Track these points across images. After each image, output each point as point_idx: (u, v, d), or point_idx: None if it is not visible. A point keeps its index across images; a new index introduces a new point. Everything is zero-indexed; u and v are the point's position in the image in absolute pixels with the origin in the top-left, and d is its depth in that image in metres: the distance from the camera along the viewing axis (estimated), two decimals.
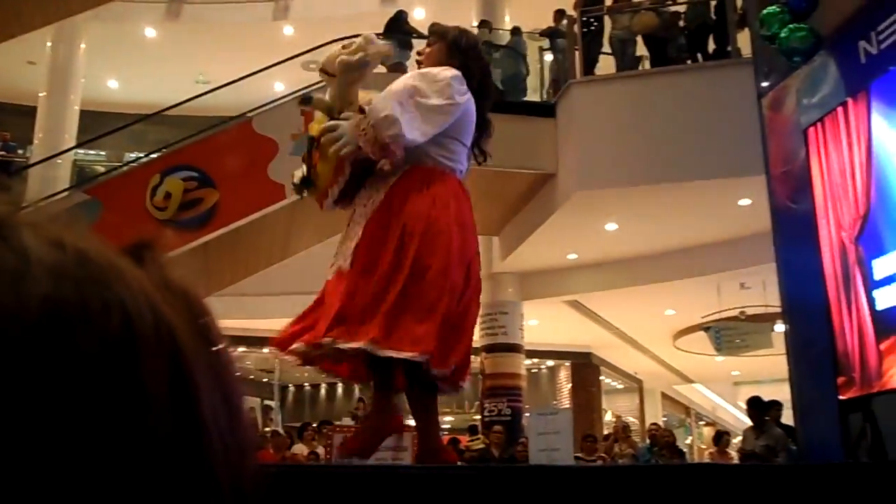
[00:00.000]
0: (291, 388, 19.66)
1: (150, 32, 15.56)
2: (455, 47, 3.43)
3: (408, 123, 3.12)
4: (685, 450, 14.52)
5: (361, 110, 3.18)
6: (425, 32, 3.83)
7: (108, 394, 0.35)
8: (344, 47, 3.36)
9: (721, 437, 11.15)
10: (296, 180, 3.49)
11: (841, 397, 4.98)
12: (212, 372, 0.40)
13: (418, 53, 3.55)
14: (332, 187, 3.33)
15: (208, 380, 0.39)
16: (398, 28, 10.51)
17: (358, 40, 3.33)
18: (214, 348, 0.41)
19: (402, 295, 2.98)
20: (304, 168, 3.43)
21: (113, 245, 0.41)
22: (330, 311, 3.08)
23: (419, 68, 3.43)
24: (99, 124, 13.23)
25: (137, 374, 0.36)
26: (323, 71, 3.47)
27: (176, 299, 0.40)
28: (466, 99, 3.30)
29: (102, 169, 13.27)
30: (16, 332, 0.34)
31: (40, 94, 14.36)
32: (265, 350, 15.96)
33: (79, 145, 13.89)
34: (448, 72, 3.28)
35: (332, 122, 3.20)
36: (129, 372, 0.36)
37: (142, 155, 10.87)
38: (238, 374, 0.44)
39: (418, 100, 3.19)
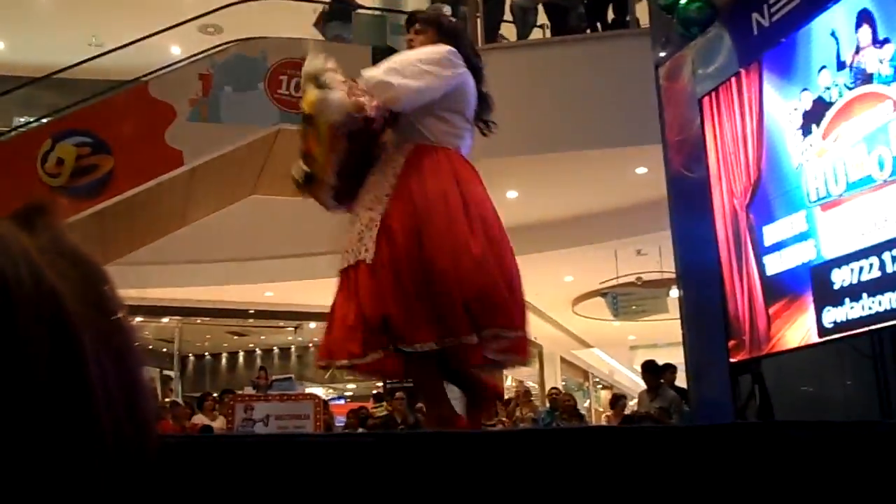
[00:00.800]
0: (191, 358, 19.36)
1: None
2: (446, 33, 3.47)
3: (402, 86, 3.15)
4: (584, 413, 14.83)
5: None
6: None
7: None
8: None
9: (618, 401, 11.44)
10: (297, 177, 3.35)
11: (731, 360, 5.16)
12: (103, 338, 0.39)
13: (409, 42, 3.52)
14: (332, 166, 3.24)
15: (99, 345, 0.38)
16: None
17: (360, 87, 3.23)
18: (110, 316, 0.40)
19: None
20: (302, 161, 3.31)
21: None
22: (374, 315, 2.97)
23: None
24: None
25: (15, 337, 0.35)
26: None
27: (68, 266, 0.39)
28: (463, 72, 3.36)
29: None
30: None
31: None
32: (164, 319, 15.72)
33: None
34: (442, 47, 3.33)
35: (322, 92, 3.14)
36: (6, 336, 0.35)
37: (31, 119, 10.48)
38: (137, 342, 0.43)
39: (413, 67, 3.22)
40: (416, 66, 3.22)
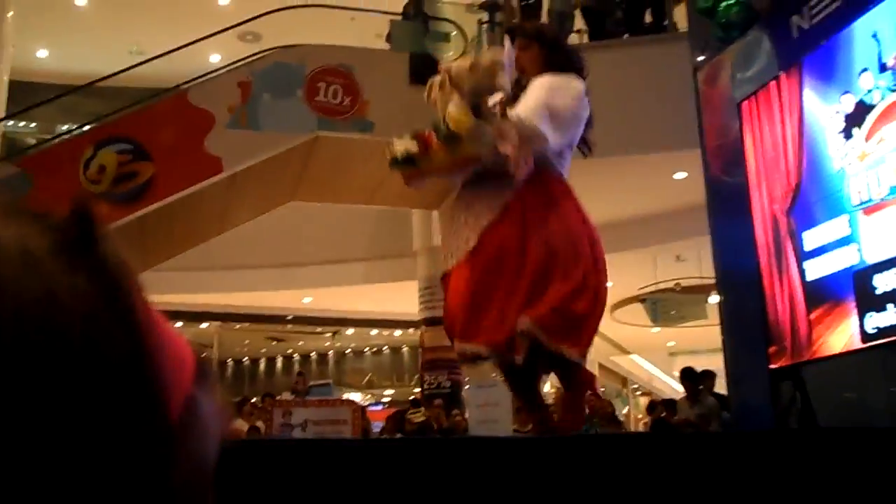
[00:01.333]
0: (230, 363, 19.52)
1: (80, 1, 15.19)
2: (550, 46, 3.53)
3: (555, 138, 3.27)
4: (622, 419, 14.73)
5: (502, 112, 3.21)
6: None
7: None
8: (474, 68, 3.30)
9: (655, 407, 11.35)
10: (398, 154, 3.47)
11: (772, 366, 5.10)
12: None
13: (517, 58, 3.47)
14: (441, 175, 3.50)
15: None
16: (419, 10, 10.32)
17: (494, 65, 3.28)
18: (139, 328, 0.36)
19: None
20: (414, 144, 3.42)
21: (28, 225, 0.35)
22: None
23: (516, 72, 3.42)
24: (29, 95, 12.89)
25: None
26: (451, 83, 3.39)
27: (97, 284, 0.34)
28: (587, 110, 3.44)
29: (33, 141, 12.95)
30: None
31: None
32: (203, 325, 15.86)
33: (8, 117, 13.54)
34: (577, 83, 3.44)
35: (479, 123, 3.21)
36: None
37: (74, 127, 10.63)
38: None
39: (565, 114, 3.32)
40: (567, 114, 3.32)
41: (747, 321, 5.49)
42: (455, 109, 3.27)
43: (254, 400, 11.02)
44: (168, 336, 0.39)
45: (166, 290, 10.85)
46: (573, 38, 9.86)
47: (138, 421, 0.33)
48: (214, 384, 0.40)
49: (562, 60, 3.49)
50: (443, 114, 3.35)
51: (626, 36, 9.48)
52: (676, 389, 15.40)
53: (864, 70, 4.51)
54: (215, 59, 12.66)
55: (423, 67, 9.38)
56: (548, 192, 3.32)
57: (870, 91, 4.46)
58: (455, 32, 10.67)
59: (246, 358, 19.76)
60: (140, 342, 0.34)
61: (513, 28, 3.71)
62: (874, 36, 4.47)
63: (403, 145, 3.47)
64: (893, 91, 4.31)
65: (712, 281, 7.11)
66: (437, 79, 3.46)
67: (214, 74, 9.47)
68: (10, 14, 14.07)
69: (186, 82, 9.27)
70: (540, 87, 3.36)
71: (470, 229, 3.25)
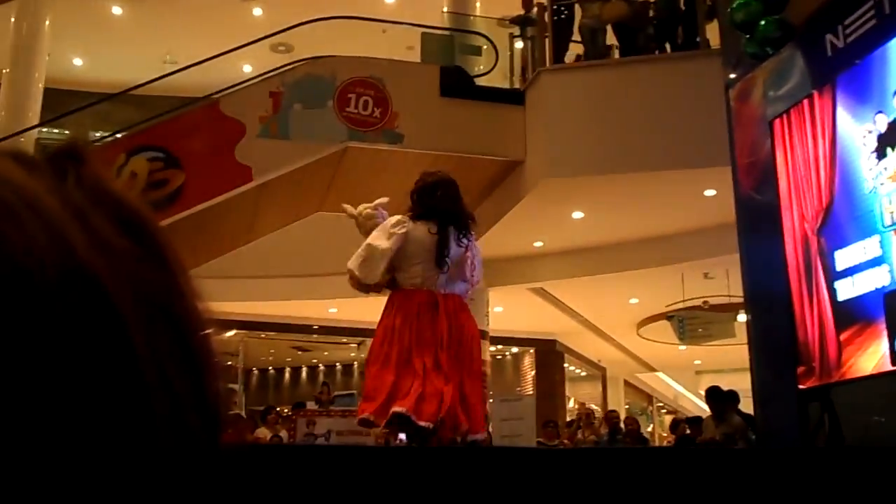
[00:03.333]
0: (255, 372, 19.58)
1: (116, 10, 15.36)
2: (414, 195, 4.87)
3: (355, 271, 4.68)
4: (647, 437, 14.64)
5: None
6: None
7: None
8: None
9: (678, 425, 11.27)
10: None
11: (800, 386, 5.05)
12: (161, 313, 0.32)
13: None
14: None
15: (154, 322, 0.31)
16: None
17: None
18: (172, 285, 0.34)
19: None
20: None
21: (28, 164, 0.33)
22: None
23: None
24: (63, 103, 13.05)
25: (34, 341, 0.28)
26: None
27: (109, 226, 0.32)
28: (400, 236, 4.65)
29: None
30: None
31: (4, 71, 14.14)
32: (229, 333, 15.93)
33: (42, 124, 13.70)
34: (391, 220, 4.77)
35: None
36: (23, 339, 0.28)
37: (107, 134, 10.74)
38: (206, 314, 0.37)
39: (367, 254, 4.68)
40: (368, 255, 4.75)
41: (776, 341, 5.45)
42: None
43: (278, 409, 11.04)
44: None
45: None
46: (605, 54, 9.86)
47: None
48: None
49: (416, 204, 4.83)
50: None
51: (657, 52, 9.45)
52: (702, 408, 15.29)
53: None
54: (247, 69, 12.74)
55: (453, 80, 9.41)
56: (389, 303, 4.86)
57: None
58: (486, 46, 10.69)
59: (271, 367, 19.82)
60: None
61: None
62: None
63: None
64: None
65: (740, 299, 7.06)
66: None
67: (246, 84, 9.54)
68: (47, 22, 14.27)
69: (218, 92, 9.34)
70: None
71: None
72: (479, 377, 4.85)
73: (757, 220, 5.83)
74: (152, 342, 0.31)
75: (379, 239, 4.65)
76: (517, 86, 10.21)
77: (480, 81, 10.21)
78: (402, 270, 4.69)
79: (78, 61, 16.56)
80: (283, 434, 9.43)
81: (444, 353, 4.52)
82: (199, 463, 0.33)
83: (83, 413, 0.29)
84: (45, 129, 14.32)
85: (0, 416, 0.28)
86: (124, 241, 0.32)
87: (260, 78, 9.48)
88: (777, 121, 5.43)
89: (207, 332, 0.36)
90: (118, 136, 9.74)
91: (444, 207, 4.78)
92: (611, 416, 11.69)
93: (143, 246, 0.33)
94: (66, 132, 15.54)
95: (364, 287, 4.71)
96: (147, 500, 0.31)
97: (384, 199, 5.23)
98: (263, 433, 9.89)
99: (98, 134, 12.46)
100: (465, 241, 4.81)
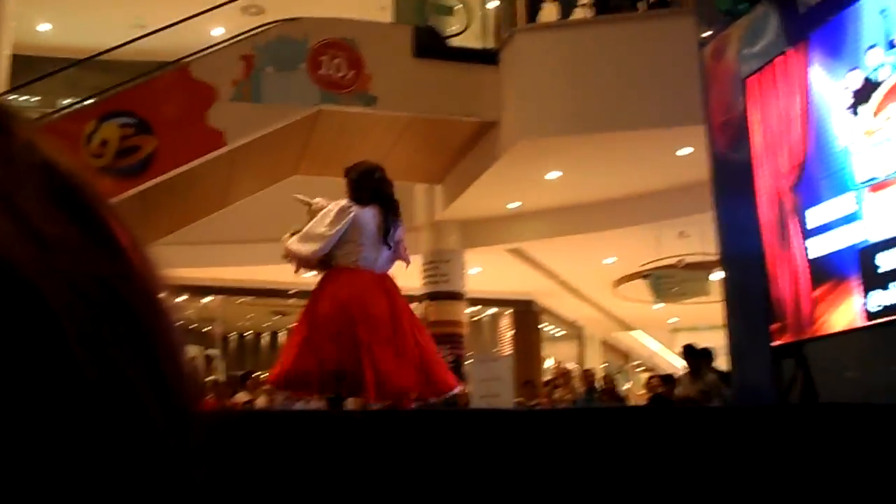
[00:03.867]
0: (234, 337, 19.56)
1: None
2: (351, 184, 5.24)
3: (299, 248, 5.11)
4: (623, 395, 14.77)
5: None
6: None
7: None
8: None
9: (650, 380, 11.40)
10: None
11: (774, 343, 5.10)
12: (102, 295, 0.29)
13: None
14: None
15: (91, 310, 0.28)
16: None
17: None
18: (115, 263, 0.30)
19: None
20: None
21: None
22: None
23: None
24: (31, 69, 12.83)
25: None
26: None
27: (42, 208, 0.28)
28: (345, 223, 5.01)
29: (36, 115, 12.89)
30: None
31: None
32: (207, 299, 15.88)
33: (10, 91, 13.50)
34: (334, 206, 5.09)
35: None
36: None
37: (77, 101, 10.59)
38: (158, 287, 0.34)
39: (309, 232, 5.10)
40: (310, 232, 5.18)
41: (750, 298, 5.49)
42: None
43: (256, 374, 11.04)
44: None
45: (170, 265, 10.82)
46: (578, 13, 9.81)
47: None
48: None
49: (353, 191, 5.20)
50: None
51: (631, 10, 9.41)
52: (678, 366, 15.45)
53: (872, 46, 4.47)
54: (218, 32, 12.57)
55: (426, 41, 9.34)
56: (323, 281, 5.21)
57: (877, 68, 4.43)
58: (459, 6, 10.60)
59: (250, 332, 19.79)
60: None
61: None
62: (882, 12, 4.43)
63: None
64: None
65: (715, 257, 7.10)
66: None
67: (217, 48, 9.43)
68: None
69: (189, 55, 9.22)
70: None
71: None
72: (430, 339, 5.27)
73: (731, 179, 5.85)
74: (94, 335, 0.28)
75: (322, 225, 5.05)
76: (491, 46, 10.15)
77: (454, 42, 10.14)
78: (344, 251, 5.06)
79: (45, 27, 16.29)
80: (262, 400, 9.44)
81: (390, 328, 4.87)
82: (164, 442, 0.31)
83: (22, 422, 0.26)
84: (13, 97, 14.11)
85: None
86: (58, 225, 0.28)
87: (231, 41, 9.37)
88: (751, 78, 5.43)
89: (163, 309, 0.33)
90: (88, 102, 9.60)
91: (385, 192, 5.26)
92: (588, 375, 11.78)
93: (83, 224, 0.29)
94: (35, 99, 15.33)
95: (306, 263, 5.19)
96: (111, 494, 0.29)
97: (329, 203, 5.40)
98: (242, 397, 9.90)
99: (68, 100, 12.29)
100: (398, 222, 5.24)
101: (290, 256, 5.19)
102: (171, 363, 0.33)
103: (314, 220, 5.13)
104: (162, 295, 0.33)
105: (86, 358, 0.28)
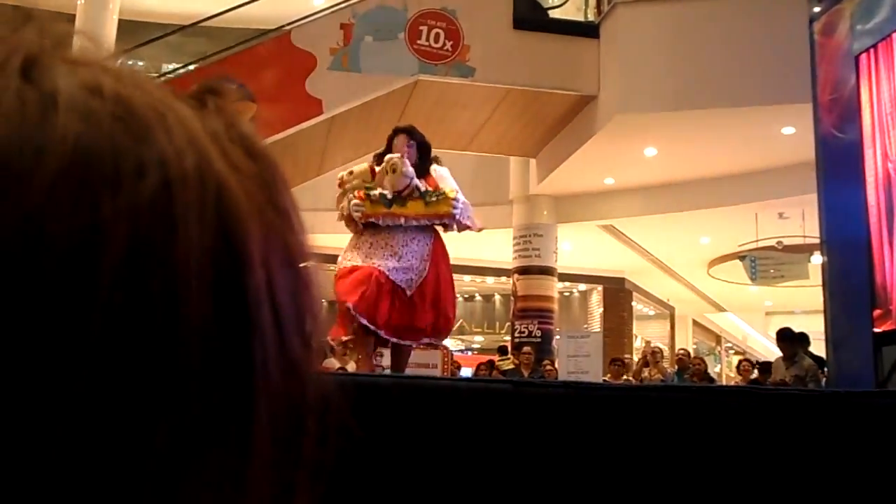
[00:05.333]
0: (325, 304, 19.88)
1: None
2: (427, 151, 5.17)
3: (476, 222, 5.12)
4: (715, 377, 14.54)
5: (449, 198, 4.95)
6: None
7: (135, 278, 0.29)
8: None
9: (740, 365, 11.18)
10: (373, 193, 4.91)
11: (875, 330, 4.95)
12: (277, 243, 0.34)
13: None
14: (401, 219, 4.88)
15: (270, 252, 0.33)
16: None
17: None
18: (285, 217, 0.35)
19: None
20: (389, 194, 4.89)
21: (173, 91, 0.35)
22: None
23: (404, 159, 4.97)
24: (137, 34, 13.16)
25: (174, 242, 0.30)
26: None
27: (243, 157, 0.34)
28: None
29: None
30: (24, 197, 0.28)
31: (79, 2, 14.30)
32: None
33: (117, 55, 13.85)
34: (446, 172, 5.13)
35: (459, 196, 4.94)
36: (163, 249, 0.30)
37: (179, 66, 10.83)
38: (311, 248, 0.38)
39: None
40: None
41: (851, 283, 5.33)
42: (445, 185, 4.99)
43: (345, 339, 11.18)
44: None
45: None
46: None
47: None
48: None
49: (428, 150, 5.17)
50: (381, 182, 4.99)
51: None
52: (771, 350, 15.13)
53: None
54: (319, 1, 12.69)
55: (526, 12, 9.26)
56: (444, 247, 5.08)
57: None
58: None
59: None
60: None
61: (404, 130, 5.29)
62: None
63: (379, 189, 4.92)
64: None
65: (815, 240, 6.91)
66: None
67: (317, 16, 9.51)
68: None
69: (289, 23, 9.33)
70: (451, 179, 5.08)
71: (408, 260, 4.83)
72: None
73: (837, 160, 5.67)
74: (270, 271, 0.33)
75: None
76: (591, 18, 10.01)
77: (554, 14, 10.03)
78: None
79: None
80: (352, 365, 9.57)
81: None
82: (302, 382, 0.35)
83: (198, 339, 0.31)
84: (119, 61, 14.46)
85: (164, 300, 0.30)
86: (251, 169, 0.34)
87: (331, 9, 9.44)
88: (863, 55, 5.24)
89: (313, 269, 0.37)
90: (190, 68, 9.80)
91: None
92: (680, 355, 11.63)
93: (266, 179, 0.35)
94: (140, 63, 15.72)
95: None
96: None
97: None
98: (332, 363, 10.06)
99: (171, 66, 12.58)
100: None
101: (463, 225, 5.04)
102: (315, 311, 0.37)
103: (447, 185, 5.03)
104: (311, 254, 0.38)
105: (260, 282, 0.33)
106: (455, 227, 5.01)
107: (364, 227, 4.96)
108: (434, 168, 5.11)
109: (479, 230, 5.16)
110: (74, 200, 0.29)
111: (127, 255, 0.29)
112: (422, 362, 7.68)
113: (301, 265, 0.36)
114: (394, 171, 4.86)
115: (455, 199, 4.87)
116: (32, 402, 0.28)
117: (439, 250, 4.97)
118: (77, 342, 0.28)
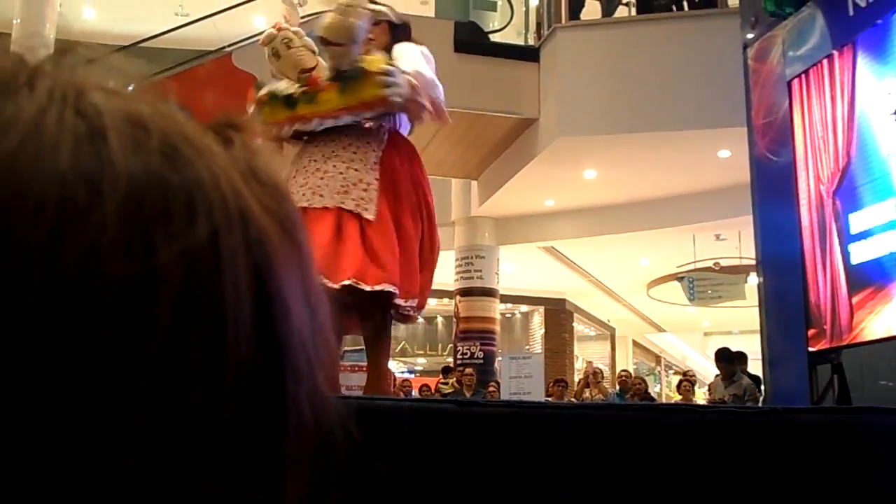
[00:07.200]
0: None
1: None
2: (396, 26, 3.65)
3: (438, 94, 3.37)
4: (655, 397, 14.69)
5: (391, 72, 3.19)
6: None
7: (185, 323, 0.29)
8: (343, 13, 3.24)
9: (681, 384, 11.30)
10: (277, 91, 3.44)
11: (810, 349, 5.05)
12: (298, 278, 0.35)
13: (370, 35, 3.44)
14: (320, 119, 3.29)
15: (295, 291, 0.34)
16: None
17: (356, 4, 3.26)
18: (302, 250, 0.36)
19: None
20: (293, 87, 3.36)
21: (195, 124, 0.36)
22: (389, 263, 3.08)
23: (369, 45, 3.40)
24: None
25: (218, 297, 0.30)
26: (327, 41, 3.31)
27: (264, 191, 0.34)
28: None
29: None
30: (81, 235, 0.28)
31: (14, 22, 14.06)
32: None
33: (136, 81, 13.64)
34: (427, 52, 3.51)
35: (392, 68, 3.19)
36: (209, 293, 0.30)
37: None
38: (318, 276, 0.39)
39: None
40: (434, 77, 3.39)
41: (787, 303, 5.44)
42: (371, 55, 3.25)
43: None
44: None
45: None
46: (621, 11, 9.75)
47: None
48: None
49: (407, 33, 3.62)
50: (287, 69, 3.46)
51: (674, 10, 9.34)
52: (710, 369, 15.34)
53: None
54: (260, 22, 12.64)
55: (467, 36, 9.33)
56: (406, 148, 3.40)
57: None
58: (501, 2, 10.58)
59: None
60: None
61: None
62: None
63: (282, 84, 3.42)
64: None
65: (751, 261, 7.04)
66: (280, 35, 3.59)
67: (259, 37, 9.47)
68: None
69: (231, 45, 9.28)
70: (416, 53, 3.45)
71: (350, 182, 3.17)
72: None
73: (772, 182, 5.79)
74: (293, 302, 0.34)
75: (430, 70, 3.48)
76: (532, 43, 10.12)
77: (495, 38, 10.11)
78: None
79: (89, 13, 16.46)
80: None
81: None
82: (309, 395, 0.35)
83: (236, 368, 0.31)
84: None
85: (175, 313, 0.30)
86: (272, 204, 0.35)
87: None
88: (795, 81, 5.37)
89: (325, 299, 0.38)
90: (129, 89, 9.67)
91: None
92: (622, 376, 11.73)
93: (284, 213, 0.36)
94: None
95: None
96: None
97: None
98: None
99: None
100: None
101: (415, 99, 3.24)
102: (325, 331, 0.37)
103: (416, 58, 3.41)
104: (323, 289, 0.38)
105: (286, 307, 0.33)
106: (404, 118, 3.41)
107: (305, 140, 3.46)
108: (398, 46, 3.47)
109: (443, 120, 3.46)
110: (129, 240, 0.29)
111: (179, 300, 0.29)
112: (363, 384, 7.64)
113: (317, 299, 0.37)
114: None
115: (384, 73, 3.14)
116: (84, 446, 0.28)
117: (395, 163, 3.27)
118: (131, 386, 0.29)
